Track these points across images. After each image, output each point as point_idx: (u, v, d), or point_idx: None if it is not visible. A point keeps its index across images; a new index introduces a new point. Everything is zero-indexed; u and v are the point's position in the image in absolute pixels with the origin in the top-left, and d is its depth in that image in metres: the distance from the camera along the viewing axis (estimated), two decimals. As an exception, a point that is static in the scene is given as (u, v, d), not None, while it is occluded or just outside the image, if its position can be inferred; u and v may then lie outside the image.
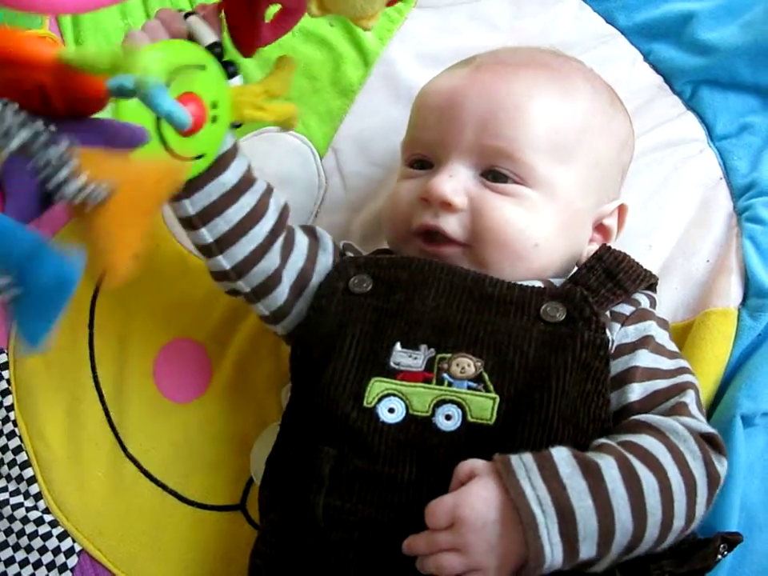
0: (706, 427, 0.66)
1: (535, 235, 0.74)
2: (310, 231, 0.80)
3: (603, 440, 0.64)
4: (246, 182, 0.74)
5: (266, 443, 0.81)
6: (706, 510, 0.64)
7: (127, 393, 0.90)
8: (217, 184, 0.72)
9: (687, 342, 0.82)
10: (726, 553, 0.67)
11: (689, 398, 0.68)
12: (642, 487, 0.59)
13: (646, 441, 0.63)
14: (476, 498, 0.59)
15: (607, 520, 0.58)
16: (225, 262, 0.74)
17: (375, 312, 0.71)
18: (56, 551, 0.86)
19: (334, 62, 0.99)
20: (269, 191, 0.77)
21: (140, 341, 0.91)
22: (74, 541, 0.86)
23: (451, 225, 0.74)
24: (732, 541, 0.68)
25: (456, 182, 0.74)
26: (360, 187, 0.96)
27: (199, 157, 0.68)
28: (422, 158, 0.79)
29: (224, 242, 0.74)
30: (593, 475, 0.59)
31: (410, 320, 0.70)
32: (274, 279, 0.76)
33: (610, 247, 0.77)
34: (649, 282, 0.77)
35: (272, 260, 0.75)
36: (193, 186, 0.71)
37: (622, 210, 0.82)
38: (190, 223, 0.73)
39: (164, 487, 0.87)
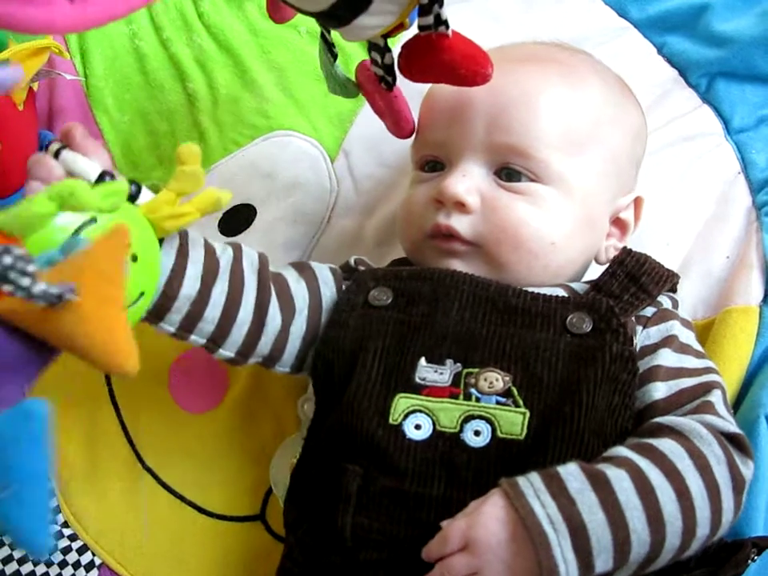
0: (732, 427, 0.65)
1: (552, 234, 0.73)
2: (303, 269, 0.77)
3: (618, 448, 0.62)
4: (209, 278, 0.69)
5: (287, 454, 0.81)
6: (735, 515, 0.63)
7: (143, 404, 0.89)
8: (181, 300, 0.67)
9: (708, 341, 0.81)
10: (755, 558, 0.66)
11: (715, 396, 0.67)
12: (656, 496, 0.58)
13: (665, 445, 0.61)
14: (488, 517, 0.58)
15: (622, 532, 0.57)
16: (227, 352, 0.72)
17: (397, 325, 0.70)
18: (76, 565, 0.85)
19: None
20: (237, 260, 0.72)
21: (155, 351, 0.89)
22: (93, 554, 0.86)
23: (463, 226, 0.73)
24: (762, 546, 0.66)
25: (469, 181, 0.73)
26: (372, 190, 0.95)
27: (141, 294, 0.61)
28: (433, 159, 0.78)
29: (218, 338, 0.71)
30: (603, 488, 0.57)
31: (434, 334, 0.69)
32: (281, 342, 0.73)
33: (630, 250, 0.76)
34: (672, 282, 0.76)
35: (273, 326, 0.72)
36: (159, 310, 0.67)
37: (638, 202, 0.80)
38: (177, 336, 0.70)
39: (182, 499, 0.87)
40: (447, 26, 0.66)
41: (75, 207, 0.54)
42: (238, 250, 0.73)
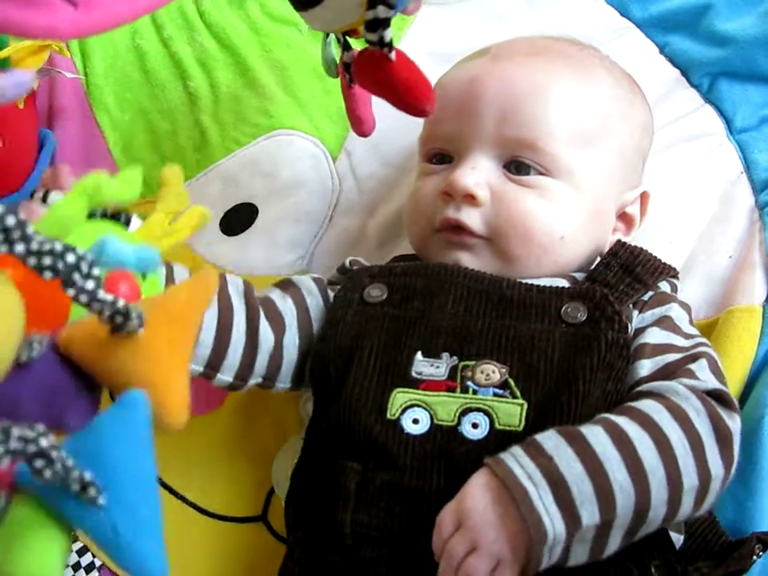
0: (711, 384, 0.65)
1: (561, 228, 0.73)
2: (287, 286, 0.78)
3: (600, 414, 0.63)
4: None
5: (289, 455, 0.80)
6: (725, 470, 0.62)
7: (144, 405, 0.88)
8: None
9: (711, 341, 0.80)
10: (761, 553, 0.66)
11: (696, 365, 0.67)
12: (634, 446, 0.58)
13: (642, 403, 0.62)
14: (473, 486, 0.59)
15: (602, 481, 0.57)
16: (226, 377, 0.72)
17: (392, 321, 0.70)
18: (76, 567, 0.85)
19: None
20: (222, 287, 0.73)
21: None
22: (93, 556, 0.85)
23: (473, 219, 0.73)
24: (767, 541, 0.66)
25: (478, 174, 0.73)
26: (374, 189, 0.95)
27: None
28: (441, 152, 0.78)
29: (214, 362, 0.70)
30: (578, 442, 0.58)
31: (429, 328, 0.69)
32: (276, 358, 0.74)
33: (624, 243, 0.76)
34: (668, 274, 0.76)
35: (267, 344, 0.73)
36: None
37: (644, 197, 0.81)
38: None
39: (184, 500, 0.86)
40: (390, 49, 0.66)
41: (103, 200, 0.54)
42: (222, 278, 0.74)
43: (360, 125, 0.80)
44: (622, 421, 0.60)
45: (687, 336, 0.71)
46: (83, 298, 0.43)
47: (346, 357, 0.69)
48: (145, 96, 0.99)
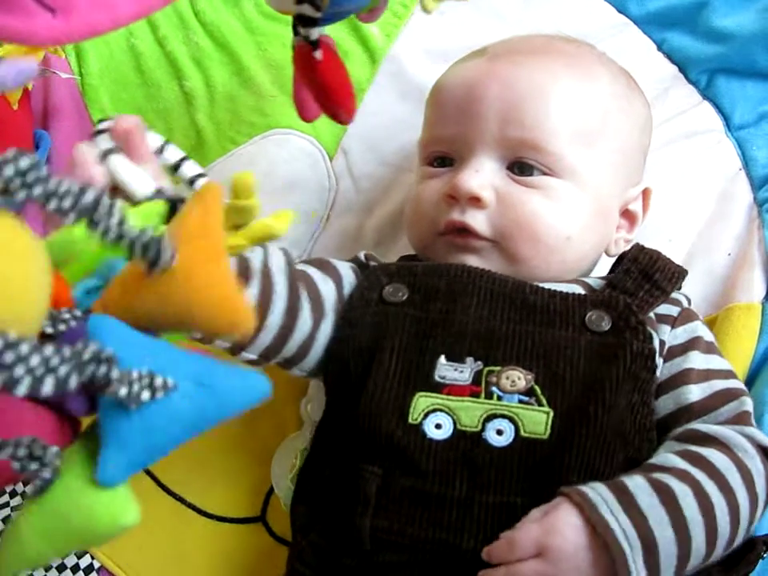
0: (766, 440, 0.66)
1: (567, 228, 0.73)
2: (326, 268, 0.74)
3: (669, 456, 0.62)
4: (241, 281, 0.59)
5: (287, 454, 0.80)
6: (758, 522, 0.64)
7: (141, 406, 0.88)
8: None
9: (711, 338, 0.81)
10: (764, 556, 0.66)
11: (749, 406, 0.67)
12: (715, 513, 0.59)
13: (716, 458, 0.62)
14: (565, 525, 0.57)
15: (685, 547, 0.57)
16: (250, 355, 0.68)
17: (414, 322, 0.68)
18: (75, 569, 0.85)
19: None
20: (266, 262, 0.67)
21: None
22: (92, 557, 0.85)
23: (479, 221, 0.72)
24: None
25: (482, 176, 0.72)
26: (371, 188, 0.94)
27: None
28: (442, 155, 0.77)
29: (243, 344, 0.66)
30: (671, 504, 0.58)
31: (453, 331, 0.67)
32: (307, 346, 0.70)
33: (643, 247, 0.76)
34: (682, 277, 0.76)
35: (303, 330, 0.69)
36: None
37: (646, 193, 0.80)
38: (203, 341, 0.61)
39: (182, 501, 0.86)
40: (315, 48, 0.65)
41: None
42: (264, 254, 0.69)
43: (301, 110, 0.78)
44: (703, 479, 0.60)
45: (722, 353, 0.72)
46: (111, 234, 0.42)
47: (366, 357, 0.67)
48: (140, 96, 0.99)
